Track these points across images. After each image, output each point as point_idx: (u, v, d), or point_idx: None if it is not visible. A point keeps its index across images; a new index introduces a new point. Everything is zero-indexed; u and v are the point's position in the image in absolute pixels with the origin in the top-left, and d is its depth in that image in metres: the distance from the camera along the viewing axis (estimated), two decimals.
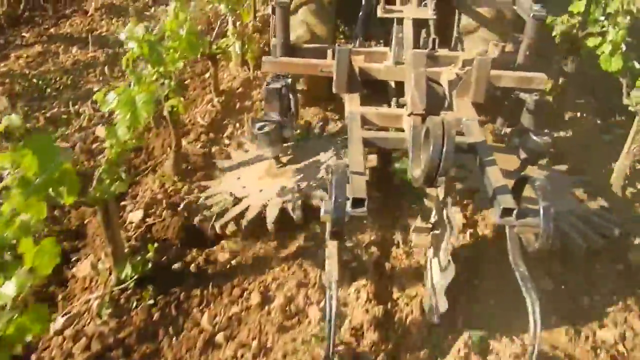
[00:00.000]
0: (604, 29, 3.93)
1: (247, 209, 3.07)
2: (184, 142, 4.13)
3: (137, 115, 2.63)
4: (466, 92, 2.90)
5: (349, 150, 2.53)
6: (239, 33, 5.10)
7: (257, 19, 6.57)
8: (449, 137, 1.98)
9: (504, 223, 2.27)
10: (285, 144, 3.43)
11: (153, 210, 3.31)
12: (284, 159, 3.47)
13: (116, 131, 2.52)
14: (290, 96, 3.33)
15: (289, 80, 3.32)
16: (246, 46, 5.29)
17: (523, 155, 3.21)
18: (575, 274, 2.89)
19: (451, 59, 3.20)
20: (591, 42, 3.79)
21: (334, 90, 3.06)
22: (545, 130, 3.18)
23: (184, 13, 3.53)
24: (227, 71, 5.45)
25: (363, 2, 4.00)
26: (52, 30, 6.52)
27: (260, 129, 3.21)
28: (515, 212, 2.23)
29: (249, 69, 5.36)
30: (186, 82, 5.32)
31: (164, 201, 3.37)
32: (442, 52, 3.24)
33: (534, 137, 3.13)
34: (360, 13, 4.02)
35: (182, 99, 3.28)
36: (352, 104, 2.92)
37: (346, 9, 4.14)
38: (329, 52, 3.25)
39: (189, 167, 3.78)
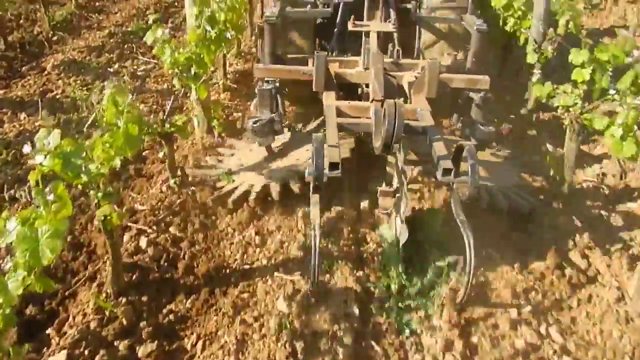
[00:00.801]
0: (614, 101, 3.44)
1: (252, 186, 3.81)
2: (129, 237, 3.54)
3: (39, 254, 2.02)
4: (421, 89, 3.59)
5: (327, 132, 3.13)
6: (202, 102, 4.56)
7: (229, 75, 6.05)
8: (400, 114, 2.71)
9: (444, 180, 2.94)
10: (276, 136, 3.96)
11: (80, 351, 2.64)
12: (275, 149, 4.11)
13: (5, 284, 1.88)
14: (278, 97, 3.91)
15: (277, 84, 3.88)
16: (212, 112, 4.74)
17: (473, 142, 3.63)
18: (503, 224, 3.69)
19: (412, 66, 3.94)
20: (598, 123, 3.27)
21: (314, 88, 3.69)
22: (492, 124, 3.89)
23: (123, 98, 2.96)
24: (193, 136, 4.90)
25: (337, 20, 4.62)
26: (1, 92, 5.93)
27: (254, 123, 3.80)
28: (453, 171, 2.90)
29: (216, 136, 4.82)
30: (144, 153, 4.74)
31: (96, 338, 2.70)
32: (405, 60, 3.99)
33: (481, 128, 3.76)
34: (335, 29, 4.65)
35: (115, 208, 2.65)
36: (328, 99, 3.57)
37: (324, 26, 4.73)
38: (310, 60, 3.98)
39: (133, 280, 3.15)
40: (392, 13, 4.43)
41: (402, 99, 3.17)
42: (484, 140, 3.80)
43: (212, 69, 4.50)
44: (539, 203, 3.83)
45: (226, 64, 5.96)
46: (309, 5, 4.42)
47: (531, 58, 4.72)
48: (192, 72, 3.62)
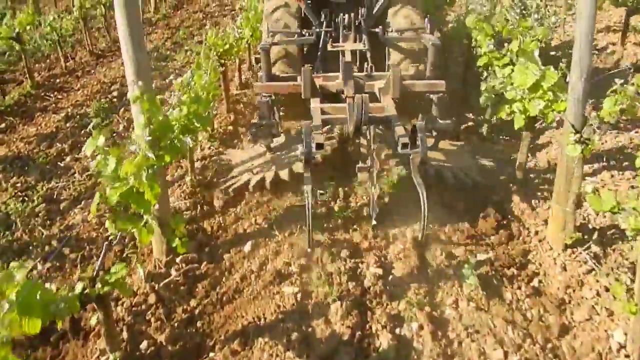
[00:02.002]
0: None
1: (263, 178, 4.59)
2: None
3: None
4: (387, 92, 4.46)
5: (314, 124, 3.97)
6: (160, 218, 3.44)
7: (198, 172, 4.94)
8: (366, 104, 3.74)
9: (403, 152, 3.72)
10: (274, 138, 4.85)
11: None
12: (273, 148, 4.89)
13: None
14: (274, 108, 4.85)
15: (273, 97, 4.73)
16: (173, 228, 3.60)
17: (435, 133, 4.71)
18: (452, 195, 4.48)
19: (382, 77, 4.67)
20: None
21: (302, 96, 4.47)
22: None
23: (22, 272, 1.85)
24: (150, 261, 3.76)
25: (320, 45, 5.44)
26: None
27: (256, 127, 4.70)
28: (409, 145, 3.68)
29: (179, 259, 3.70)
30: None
31: None
32: (376, 73, 4.78)
33: (440, 121, 4.63)
34: (319, 53, 5.43)
35: None
36: (314, 103, 4.39)
37: (311, 49, 5.71)
38: (299, 77, 4.61)
39: None
40: (364, 36, 5.39)
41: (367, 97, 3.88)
42: (442, 130, 4.69)
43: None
44: (482, 180, 4.58)
45: (194, 159, 4.90)
46: (296, 35, 5.34)
47: (573, 150, 3.34)
48: (131, 212, 2.53)
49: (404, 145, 3.64)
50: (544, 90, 3.91)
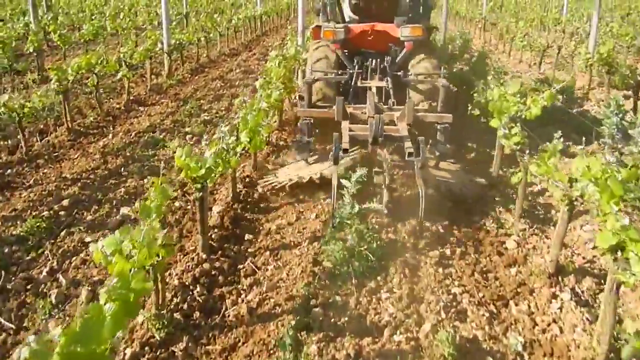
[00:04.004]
0: None
1: (301, 179, 5.62)
2: None
3: None
4: (403, 119, 5.53)
5: (343, 138, 5.17)
6: None
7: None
8: (382, 121, 4.81)
9: (409, 160, 4.87)
10: (310, 153, 5.98)
11: None
12: (310, 161, 5.97)
13: None
14: (312, 131, 5.93)
15: (312, 120, 5.91)
16: None
17: (438, 154, 5.81)
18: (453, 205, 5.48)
19: (400, 109, 5.79)
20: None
21: (335, 119, 5.64)
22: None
23: None
24: None
25: (352, 83, 6.72)
26: None
27: (297, 143, 5.95)
28: (414, 155, 4.80)
29: None
30: None
31: None
32: (397, 107, 6.07)
33: (442, 145, 5.78)
34: (351, 89, 6.71)
35: None
36: (344, 124, 5.52)
37: (344, 88, 6.88)
38: (334, 107, 5.72)
39: None
40: (388, 77, 6.67)
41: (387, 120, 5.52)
42: (443, 153, 5.81)
43: None
44: (480, 192, 5.71)
45: (206, 221, 3.37)
46: (334, 74, 6.63)
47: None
48: None
49: (410, 154, 4.84)
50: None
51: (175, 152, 4.03)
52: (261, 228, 5.05)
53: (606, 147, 6.46)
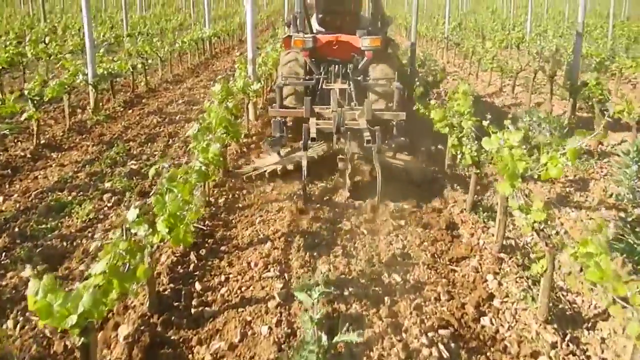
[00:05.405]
0: None
1: (275, 169, 6.56)
2: None
3: None
4: (362, 115, 6.42)
5: (310, 129, 6.16)
6: None
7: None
8: (343, 113, 6.15)
9: (367, 146, 6.00)
10: (283, 148, 6.91)
11: None
12: (282, 154, 6.86)
13: None
14: (284, 127, 7.00)
15: (285, 119, 7.08)
16: None
17: (394, 147, 6.76)
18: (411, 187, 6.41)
19: (362, 108, 6.59)
20: None
21: (304, 116, 6.62)
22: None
23: None
24: None
25: (318, 86, 7.63)
26: None
27: (271, 139, 6.85)
28: (370, 143, 5.91)
29: None
30: None
31: None
32: (357, 107, 6.87)
33: (397, 139, 6.76)
34: (317, 91, 7.63)
35: None
36: (311, 120, 6.47)
37: (311, 91, 7.74)
38: (302, 108, 6.75)
39: None
40: (350, 81, 7.55)
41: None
42: (399, 145, 6.74)
43: None
44: (431, 176, 6.74)
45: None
46: (302, 78, 7.56)
47: None
48: None
49: (367, 141, 5.95)
50: None
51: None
52: (189, 358, 3.42)
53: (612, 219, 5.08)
